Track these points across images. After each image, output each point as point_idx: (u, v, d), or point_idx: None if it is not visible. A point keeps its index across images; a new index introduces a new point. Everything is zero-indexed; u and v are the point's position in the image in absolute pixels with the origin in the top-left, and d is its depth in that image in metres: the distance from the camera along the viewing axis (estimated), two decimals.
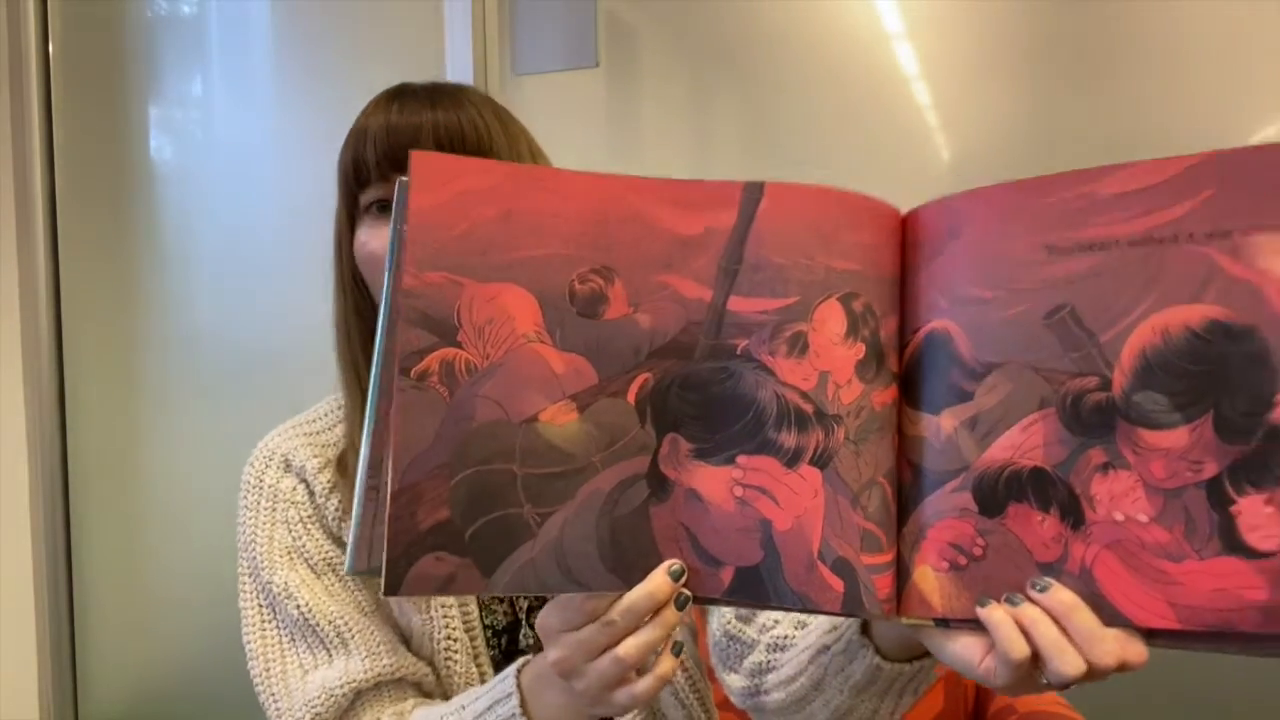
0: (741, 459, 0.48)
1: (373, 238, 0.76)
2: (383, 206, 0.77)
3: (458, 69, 1.47)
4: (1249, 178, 0.39)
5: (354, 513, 0.55)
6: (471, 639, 0.81)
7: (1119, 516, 0.41)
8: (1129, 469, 0.41)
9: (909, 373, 0.48)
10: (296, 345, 1.64)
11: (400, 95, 0.78)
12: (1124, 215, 0.43)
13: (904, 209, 0.51)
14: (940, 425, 0.46)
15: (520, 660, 0.70)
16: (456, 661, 0.80)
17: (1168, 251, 0.41)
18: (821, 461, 0.47)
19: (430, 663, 0.81)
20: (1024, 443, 0.43)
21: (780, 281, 0.48)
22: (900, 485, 0.47)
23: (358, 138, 0.77)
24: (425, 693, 0.82)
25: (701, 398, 0.50)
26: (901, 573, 0.47)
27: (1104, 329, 0.42)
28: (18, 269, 1.75)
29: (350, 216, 0.80)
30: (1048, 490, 0.43)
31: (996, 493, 0.44)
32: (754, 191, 0.51)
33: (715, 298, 0.50)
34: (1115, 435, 0.41)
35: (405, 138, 0.75)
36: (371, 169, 0.76)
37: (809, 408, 0.47)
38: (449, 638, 0.80)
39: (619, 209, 0.51)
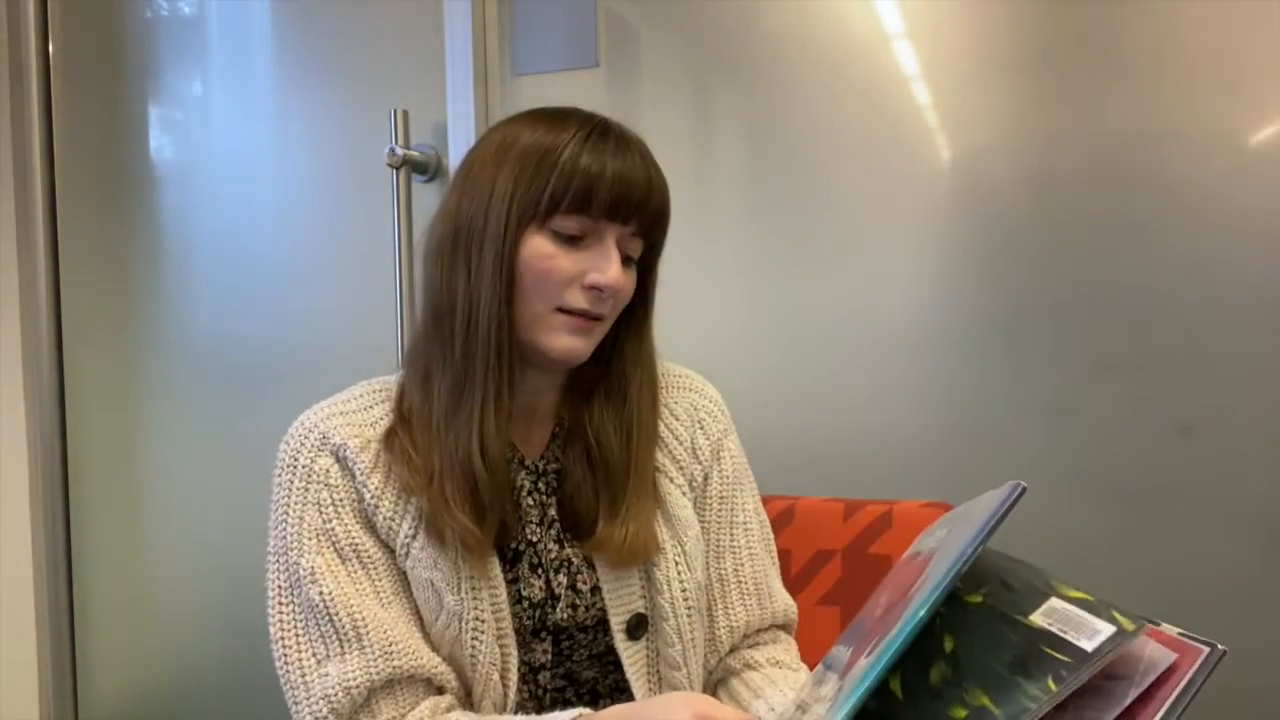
0: None
1: (554, 256, 0.81)
2: (574, 240, 0.82)
3: (458, 69, 1.47)
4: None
5: None
6: (498, 620, 0.83)
7: None
8: None
9: None
10: (296, 344, 1.64)
11: (626, 143, 0.84)
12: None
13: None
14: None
15: (574, 712, 0.75)
16: (482, 641, 0.82)
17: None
18: None
19: (456, 641, 0.83)
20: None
21: None
22: None
23: (587, 174, 0.81)
24: (437, 688, 0.83)
25: None
26: None
27: None
28: (18, 269, 1.75)
29: (529, 217, 0.82)
30: None
31: None
32: None
33: None
34: None
35: (636, 195, 0.83)
36: (595, 207, 0.81)
37: None
38: (478, 618, 0.82)
39: None
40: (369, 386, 0.89)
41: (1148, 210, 1.23)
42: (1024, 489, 0.61)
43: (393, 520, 0.82)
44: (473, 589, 0.82)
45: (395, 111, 1.48)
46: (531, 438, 0.91)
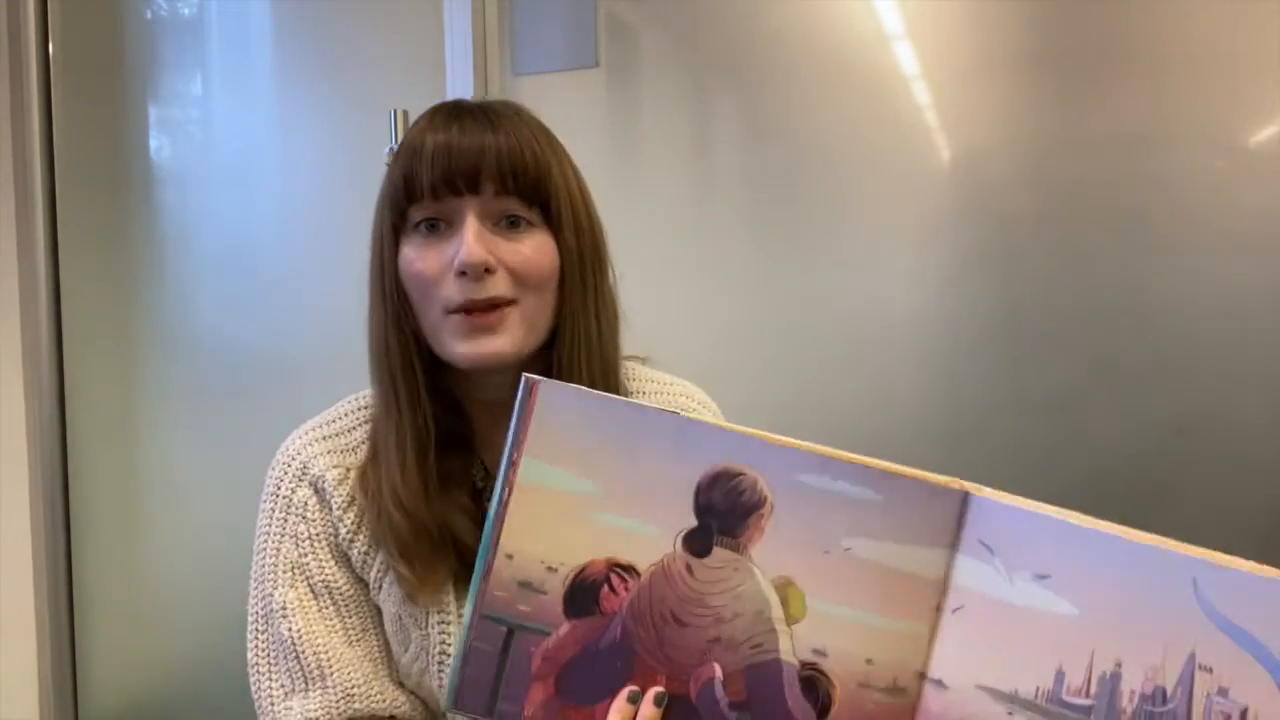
0: None
1: (420, 257, 0.77)
2: (430, 225, 0.77)
3: (458, 69, 1.47)
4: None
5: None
6: None
7: None
8: None
9: None
10: (296, 344, 1.64)
11: (459, 114, 0.78)
12: None
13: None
14: None
15: None
16: (449, 672, 0.82)
17: None
18: None
19: (425, 672, 0.83)
20: None
21: None
22: None
23: (412, 154, 0.77)
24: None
25: None
26: None
27: None
28: (18, 269, 1.75)
29: (395, 230, 0.79)
30: None
31: None
32: None
33: None
34: None
35: (466, 160, 0.75)
36: (425, 188, 0.76)
37: None
38: (443, 651, 0.82)
39: None
40: (355, 404, 0.88)
41: (1148, 210, 1.23)
42: (532, 381, 0.64)
43: (367, 556, 0.82)
44: (440, 622, 0.82)
45: (395, 111, 1.48)
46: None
